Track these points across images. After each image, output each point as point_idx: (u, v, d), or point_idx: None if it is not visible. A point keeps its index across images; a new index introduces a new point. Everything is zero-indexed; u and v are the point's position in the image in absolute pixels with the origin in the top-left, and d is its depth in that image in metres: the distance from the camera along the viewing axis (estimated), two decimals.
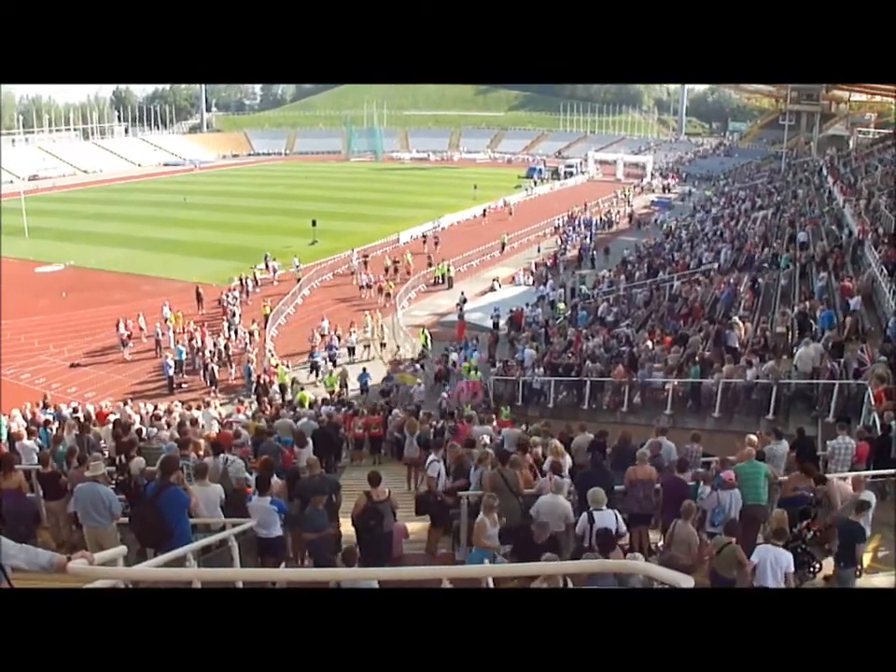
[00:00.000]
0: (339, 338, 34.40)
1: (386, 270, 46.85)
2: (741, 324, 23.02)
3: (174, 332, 34.14)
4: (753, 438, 12.40)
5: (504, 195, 78.42)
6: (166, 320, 35.18)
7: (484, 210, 69.03)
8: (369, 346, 34.61)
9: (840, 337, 19.24)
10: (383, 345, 34.91)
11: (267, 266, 46.96)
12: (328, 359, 32.49)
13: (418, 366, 26.13)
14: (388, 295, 41.92)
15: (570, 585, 6.36)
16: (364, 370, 29.52)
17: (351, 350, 33.77)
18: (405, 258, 48.99)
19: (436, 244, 54.81)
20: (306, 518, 10.04)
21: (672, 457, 12.31)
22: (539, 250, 55.41)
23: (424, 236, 57.09)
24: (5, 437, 17.73)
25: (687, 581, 4.39)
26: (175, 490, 8.50)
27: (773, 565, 8.17)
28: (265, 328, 36.67)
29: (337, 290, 45.40)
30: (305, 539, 10.17)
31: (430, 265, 48.30)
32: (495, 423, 17.69)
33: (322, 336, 34.46)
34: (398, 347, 34.41)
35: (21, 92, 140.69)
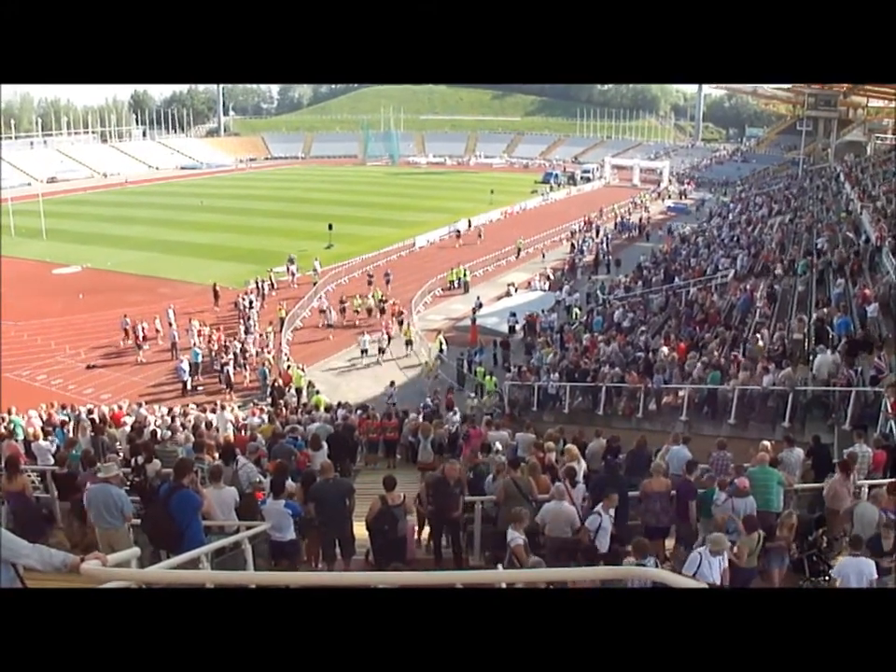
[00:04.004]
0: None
1: (369, 311, 39.77)
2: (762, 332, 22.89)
3: (197, 335, 34.14)
4: (767, 444, 12.34)
5: (520, 200, 78.53)
6: (171, 323, 34.85)
7: (458, 231, 61.73)
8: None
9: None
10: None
11: (289, 269, 46.79)
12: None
13: None
14: (409, 343, 34.94)
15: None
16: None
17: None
18: (376, 296, 41.25)
19: (387, 282, 44.52)
20: None
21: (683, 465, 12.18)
22: (543, 256, 54.52)
23: (369, 276, 45.70)
24: (21, 437, 17.89)
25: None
26: (186, 492, 8.51)
27: (857, 576, 8.24)
28: (281, 331, 36.67)
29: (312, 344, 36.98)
30: None
31: (397, 314, 38.39)
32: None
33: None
34: (409, 343, 34.09)
35: (39, 95, 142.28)
